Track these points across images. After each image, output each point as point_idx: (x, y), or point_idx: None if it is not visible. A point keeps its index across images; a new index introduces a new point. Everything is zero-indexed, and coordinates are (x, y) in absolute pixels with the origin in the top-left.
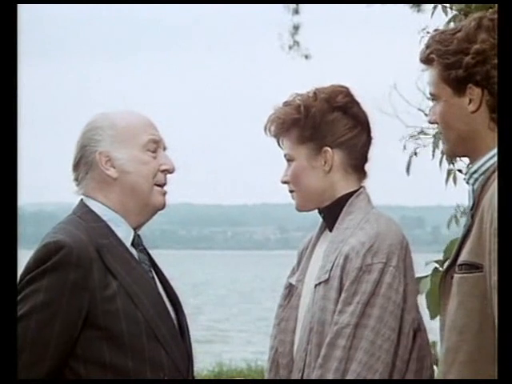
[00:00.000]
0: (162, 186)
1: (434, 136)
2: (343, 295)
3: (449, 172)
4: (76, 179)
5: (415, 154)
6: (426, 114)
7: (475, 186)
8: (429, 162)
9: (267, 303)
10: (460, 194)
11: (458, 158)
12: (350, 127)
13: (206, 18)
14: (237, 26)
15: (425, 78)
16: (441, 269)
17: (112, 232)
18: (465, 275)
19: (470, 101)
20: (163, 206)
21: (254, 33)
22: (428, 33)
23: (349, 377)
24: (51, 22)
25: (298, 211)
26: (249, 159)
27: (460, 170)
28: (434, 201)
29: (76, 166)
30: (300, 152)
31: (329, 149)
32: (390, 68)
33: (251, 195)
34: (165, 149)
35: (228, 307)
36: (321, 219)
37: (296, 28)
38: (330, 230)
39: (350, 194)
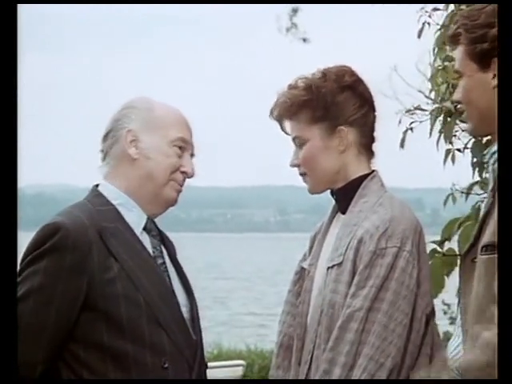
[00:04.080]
0: (177, 184)
1: (431, 113)
2: (356, 278)
3: (447, 151)
4: (102, 150)
5: (411, 129)
6: (426, 96)
7: (495, 166)
8: (428, 144)
9: (267, 285)
10: (458, 174)
11: (454, 138)
12: (359, 106)
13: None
14: (234, 10)
15: (425, 59)
16: (439, 249)
17: (120, 216)
18: (492, 256)
19: (494, 75)
20: (174, 202)
21: (252, 15)
22: (426, 12)
23: (361, 360)
24: (50, 18)
25: (311, 194)
26: (249, 141)
27: (459, 150)
28: (434, 183)
29: (105, 138)
30: (314, 132)
31: (344, 128)
32: (389, 50)
33: (251, 177)
34: (192, 155)
35: (228, 290)
36: (323, 202)
37: (295, 10)
38: (343, 213)
39: (364, 177)
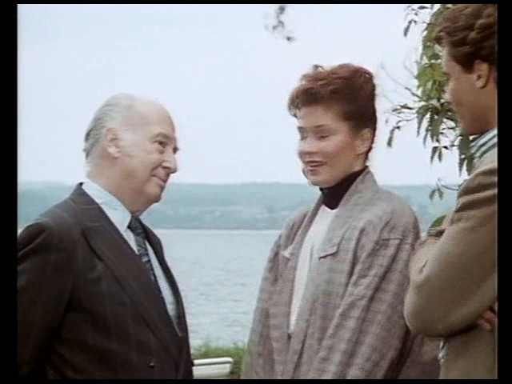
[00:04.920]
0: (160, 180)
1: (418, 112)
2: (358, 267)
3: (434, 149)
4: (85, 150)
5: (398, 127)
6: (412, 93)
7: (482, 159)
8: (415, 141)
9: (256, 283)
10: (446, 171)
11: (441, 135)
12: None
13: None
14: (234, 10)
15: (412, 57)
16: None
17: (104, 215)
18: None
19: (479, 77)
20: (158, 198)
21: (252, 14)
22: (413, 10)
23: (364, 349)
24: (51, 18)
25: (321, 185)
26: (237, 139)
27: (446, 147)
28: (421, 180)
29: (87, 137)
30: (343, 128)
31: (369, 130)
32: (376, 48)
33: (240, 174)
34: (176, 150)
35: (215, 287)
36: (309, 199)
37: (282, 8)
38: (331, 207)
39: (357, 173)
